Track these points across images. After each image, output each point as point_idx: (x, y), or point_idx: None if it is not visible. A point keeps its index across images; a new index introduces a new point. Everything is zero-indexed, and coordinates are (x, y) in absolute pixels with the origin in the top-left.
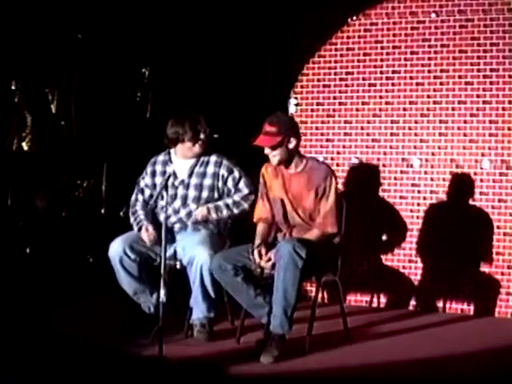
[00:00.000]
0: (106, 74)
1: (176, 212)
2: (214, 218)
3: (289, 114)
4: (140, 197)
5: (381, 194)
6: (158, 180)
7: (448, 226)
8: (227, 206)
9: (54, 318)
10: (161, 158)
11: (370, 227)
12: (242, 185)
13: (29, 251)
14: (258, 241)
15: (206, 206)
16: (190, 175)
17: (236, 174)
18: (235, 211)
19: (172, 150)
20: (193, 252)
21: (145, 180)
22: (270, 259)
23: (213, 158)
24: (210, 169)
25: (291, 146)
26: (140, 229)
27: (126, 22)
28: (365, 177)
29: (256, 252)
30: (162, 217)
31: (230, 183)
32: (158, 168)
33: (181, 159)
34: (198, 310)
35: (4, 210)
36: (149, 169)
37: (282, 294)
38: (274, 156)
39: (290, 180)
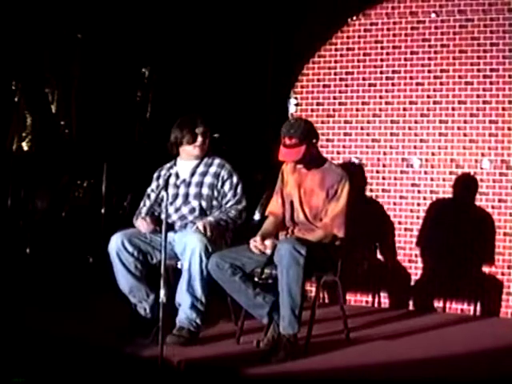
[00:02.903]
0: (106, 74)
1: (177, 210)
2: (210, 233)
3: (289, 113)
4: (147, 202)
5: (381, 194)
6: (162, 181)
7: (448, 226)
8: (226, 222)
9: (54, 318)
10: (167, 164)
11: (371, 227)
12: (238, 191)
13: (29, 251)
14: (260, 231)
15: (207, 220)
16: (192, 174)
17: (235, 179)
18: (231, 226)
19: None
20: (185, 239)
21: (151, 185)
22: (264, 248)
23: (216, 161)
24: (213, 169)
25: (313, 145)
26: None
27: (126, 21)
28: (365, 177)
29: (253, 240)
30: (162, 216)
31: (226, 186)
32: (163, 172)
33: (184, 161)
34: (181, 310)
35: (4, 210)
36: (155, 174)
37: (287, 293)
38: (302, 163)
39: (305, 175)
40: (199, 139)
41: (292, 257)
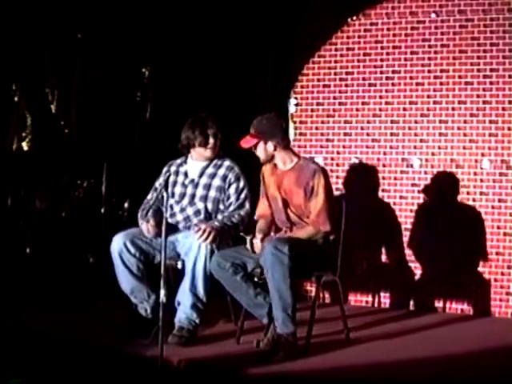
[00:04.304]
0: (106, 74)
1: (182, 210)
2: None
3: (288, 113)
4: (154, 195)
5: (381, 193)
6: (171, 179)
7: (448, 225)
8: (229, 227)
9: (54, 318)
10: (178, 160)
11: (370, 227)
12: (242, 196)
13: (29, 251)
14: (261, 233)
15: (212, 224)
16: (201, 175)
17: (241, 184)
18: (233, 232)
19: (190, 154)
20: (191, 239)
21: (159, 180)
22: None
23: (226, 163)
24: (221, 171)
25: (269, 146)
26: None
27: (126, 21)
28: (365, 177)
29: (248, 241)
30: (165, 215)
31: (231, 190)
32: (173, 168)
33: (195, 161)
34: (181, 310)
35: (4, 210)
36: (164, 169)
37: (276, 294)
38: (258, 155)
39: (282, 177)
40: (211, 141)
41: (275, 257)
